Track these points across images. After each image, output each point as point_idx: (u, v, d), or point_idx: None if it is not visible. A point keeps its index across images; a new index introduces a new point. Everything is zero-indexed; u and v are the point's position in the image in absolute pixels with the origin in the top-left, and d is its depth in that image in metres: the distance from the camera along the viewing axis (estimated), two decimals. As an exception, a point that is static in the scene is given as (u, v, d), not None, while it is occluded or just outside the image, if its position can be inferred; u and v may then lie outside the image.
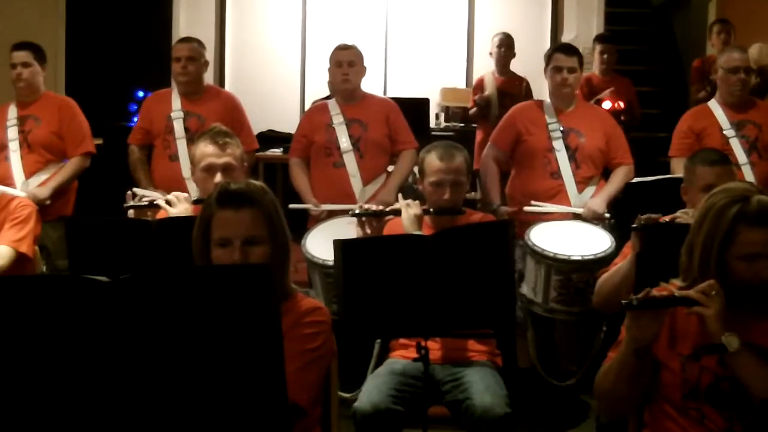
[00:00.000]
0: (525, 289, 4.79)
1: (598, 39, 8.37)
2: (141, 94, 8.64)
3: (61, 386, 2.17)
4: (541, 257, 4.63)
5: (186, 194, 4.31)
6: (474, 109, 8.15)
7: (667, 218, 3.94)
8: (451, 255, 3.44)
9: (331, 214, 5.22)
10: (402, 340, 4.06)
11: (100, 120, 6.23)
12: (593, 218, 5.11)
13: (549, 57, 5.60)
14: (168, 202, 4.20)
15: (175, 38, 8.41)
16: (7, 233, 4.46)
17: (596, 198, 5.27)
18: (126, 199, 4.36)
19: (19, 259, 4.46)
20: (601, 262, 4.49)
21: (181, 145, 5.71)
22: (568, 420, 5.06)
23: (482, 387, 3.75)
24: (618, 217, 5.09)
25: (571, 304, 4.67)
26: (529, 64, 8.27)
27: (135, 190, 4.53)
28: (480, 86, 8.22)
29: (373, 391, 3.78)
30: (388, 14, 10.02)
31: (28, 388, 2.19)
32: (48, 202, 5.57)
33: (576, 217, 5.16)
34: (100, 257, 3.61)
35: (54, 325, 2.15)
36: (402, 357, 4.02)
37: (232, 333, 2.16)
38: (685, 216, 3.89)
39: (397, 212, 4.29)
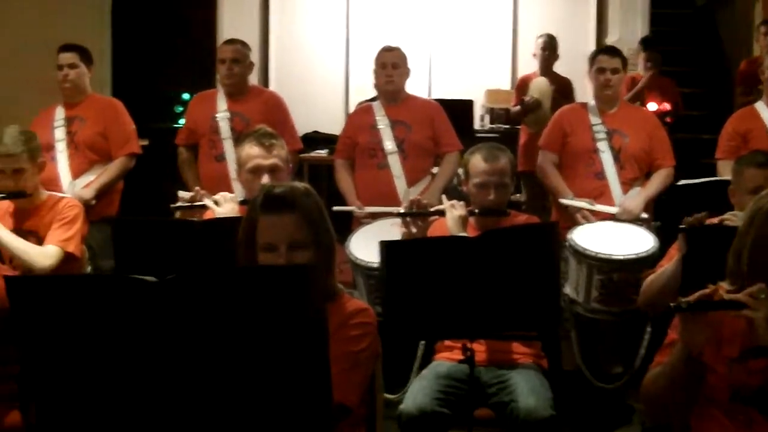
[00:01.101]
0: (567, 289, 4.78)
1: (644, 45, 8.33)
2: (186, 95, 8.69)
3: (106, 385, 2.19)
4: (583, 256, 4.62)
5: (233, 194, 4.33)
6: (517, 108, 8.12)
7: (714, 220, 3.91)
8: (496, 256, 3.43)
9: (375, 216, 5.22)
10: (447, 342, 4.06)
11: (146, 121, 6.27)
12: (628, 218, 5.08)
13: (593, 59, 5.60)
14: (215, 202, 4.22)
15: (219, 40, 8.45)
16: (55, 233, 4.50)
17: (633, 198, 5.25)
18: (176, 201, 4.38)
19: (67, 258, 4.49)
20: (643, 263, 4.47)
21: (228, 146, 5.74)
22: (612, 423, 5.03)
23: (527, 389, 3.74)
24: (664, 220, 5.06)
25: (612, 303, 4.64)
26: (573, 65, 8.24)
27: (180, 193, 4.56)
28: (522, 87, 8.20)
29: (418, 393, 3.78)
30: (432, 16, 10.01)
31: (74, 385, 2.21)
32: (93, 203, 5.61)
33: (613, 217, 5.14)
34: (145, 257, 3.63)
35: (101, 324, 2.17)
36: (447, 359, 4.02)
37: (277, 333, 2.16)
38: (733, 218, 3.85)
39: (442, 213, 4.28)
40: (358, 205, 5.48)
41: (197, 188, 4.49)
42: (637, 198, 5.25)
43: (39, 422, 3.09)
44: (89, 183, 5.76)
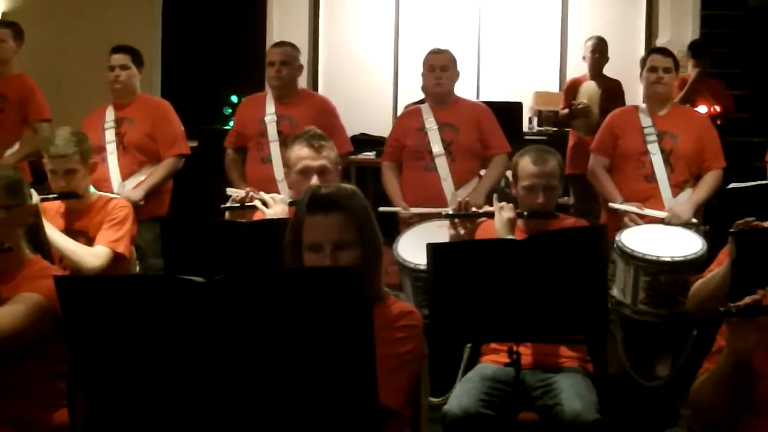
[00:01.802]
0: (615, 291, 4.76)
1: (692, 52, 8.26)
2: (234, 97, 8.74)
3: (154, 384, 2.21)
4: (631, 258, 4.59)
5: (282, 196, 4.35)
6: (565, 111, 8.08)
7: (766, 224, 3.87)
8: (544, 259, 3.42)
9: (421, 218, 5.22)
10: (493, 345, 4.05)
11: (195, 123, 6.32)
12: (678, 223, 5.04)
13: (644, 59, 5.57)
14: (264, 203, 4.24)
15: (269, 42, 8.50)
16: (105, 234, 4.54)
17: (683, 203, 5.21)
18: (225, 201, 4.41)
19: (116, 259, 4.54)
20: (691, 265, 4.45)
21: (274, 148, 5.75)
22: (658, 427, 5.00)
23: (572, 393, 3.73)
24: (714, 224, 5.02)
25: (658, 306, 4.62)
26: (623, 68, 8.19)
27: (229, 190, 4.58)
28: (572, 89, 8.15)
29: (463, 395, 3.77)
30: (481, 18, 9.99)
31: (122, 384, 2.24)
32: (141, 203, 5.65)
33: (662, 221, 5.10)
34: (194, 258, 3.66)
35: (150, 324, 2.19)
36: (492, 362, 4.01)
37: (324, 334, 2.17)
38: None
39: (490, 215, 4.27)
40: (403, 206, 5.49)
41: (248, 189, 4.52)
42: (686, 203, 5.21)
43: (87, 421, 3.14)
44: (139, 184, 5.81)
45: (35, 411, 3.17)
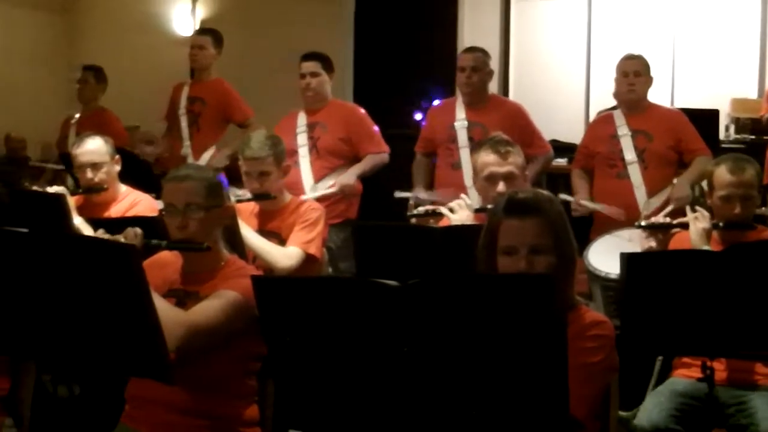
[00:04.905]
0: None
1: None
2: (426, 103, 8.79)
3: (344, 384, 2.24)
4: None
5: (468, 201, 4.35)
6: (766, 116, 7.84)
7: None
8: (742, 272, 3.29)
9: (615, 226, 5.12)
10: (685, 359, 3.94)
11: (386, 128, 6.39)
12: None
13: None
14: (450, 210, 4.26)
15: (459, 47, 8.51)
16: (297, 235, 4.63)
17: None
18: (408, 209, 4.44)
19: (308, 260, 4.62)
20: None
21: (464, 154, 5.76)
22: None
23: (768, 413, 3.61)
24: None
25: None
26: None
27: (396, 193, 4.60)
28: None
29: (653, 409, 3.70)
30: (676, 22, 9.77)
31: (314, 382, 2.28)
32: (354, 186, 5.91)
33: None
34: (384, 261, 3.70)
35: (342, 325, 2.23)
36: (684, 376, 3.90)
37: (517, 341, 2.16)
38: None
39: (685, 226, 4.17)
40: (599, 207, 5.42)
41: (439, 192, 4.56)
42: None
43: (277, 416, 3.21)
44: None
45: (228, 406, 3.24)
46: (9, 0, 9.59)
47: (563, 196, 5.36)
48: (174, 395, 3.09)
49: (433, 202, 5.18)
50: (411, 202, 5.44)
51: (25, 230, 2.67)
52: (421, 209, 4.50)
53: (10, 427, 3.58)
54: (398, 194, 5.35)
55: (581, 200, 5.49)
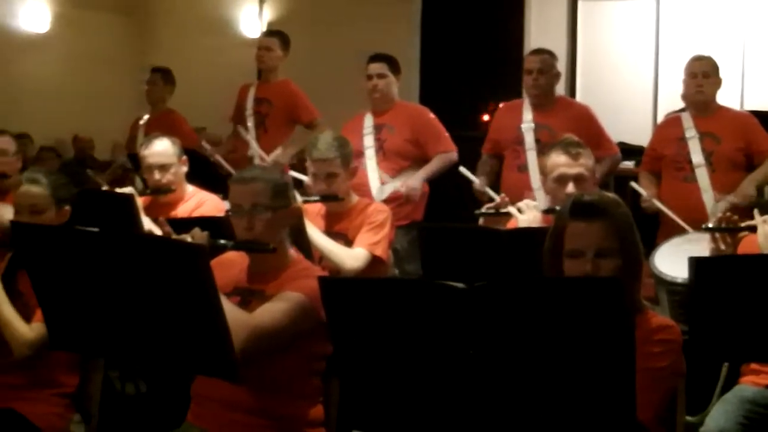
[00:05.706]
0: None
1: None
2: (493, 104, 8.76)
3: (411, 384, 2.25)
4: None
5: (536, 202, 4.34)
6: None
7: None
8: (814, 277, 3.26)
9: (681, 230, 5.08)
10: (754, 366, 3.89)
11: (452, 129, 6.38)
12: None
13: None
14: (518, 210, 4.25)
15: (526, 49, 8.47)
16: (364, 236, 4.63)
17: None
18: (479, 207, 4.43)
19: (374, 261, 4.61)
20: None
21: (531, 156, 5.73)
22: None
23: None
24: None
25: None
26: None
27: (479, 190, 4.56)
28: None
29: (720, 416, 3.65)
30: (746, 23, 9.64)
31: (379, 383, 2.29)
32: (417, 192, 5.89)
33: None
34: (451, 263, 3.69)
35: (410, 326, 2.24)
36: (753, 383, 3.85)
37: (584, 344, 2.16)
38: None
39: (753, 229, 4.11)
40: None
41: (502, 195, 4.54)
42: None
43: (341, 417, 3.22)
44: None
45: (293, 406, 3.26)
46: (79, 3, 9.74)
47: (634, 185, 5.33)
48: (239, 394, 3.12)
49: (489, 198, 5.18)
50: (476, 187, 5.45)
51: (95, 230, 2.71)
52: (490, 206, 4.48)
53: (78, 422, 3.64)
54: (463, 170, 5.31)
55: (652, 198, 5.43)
